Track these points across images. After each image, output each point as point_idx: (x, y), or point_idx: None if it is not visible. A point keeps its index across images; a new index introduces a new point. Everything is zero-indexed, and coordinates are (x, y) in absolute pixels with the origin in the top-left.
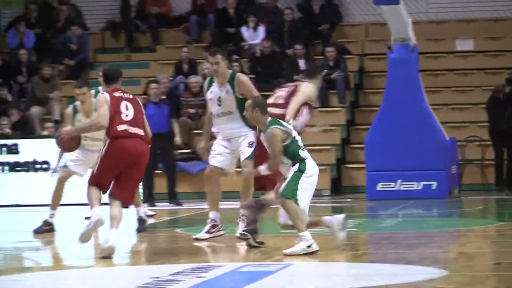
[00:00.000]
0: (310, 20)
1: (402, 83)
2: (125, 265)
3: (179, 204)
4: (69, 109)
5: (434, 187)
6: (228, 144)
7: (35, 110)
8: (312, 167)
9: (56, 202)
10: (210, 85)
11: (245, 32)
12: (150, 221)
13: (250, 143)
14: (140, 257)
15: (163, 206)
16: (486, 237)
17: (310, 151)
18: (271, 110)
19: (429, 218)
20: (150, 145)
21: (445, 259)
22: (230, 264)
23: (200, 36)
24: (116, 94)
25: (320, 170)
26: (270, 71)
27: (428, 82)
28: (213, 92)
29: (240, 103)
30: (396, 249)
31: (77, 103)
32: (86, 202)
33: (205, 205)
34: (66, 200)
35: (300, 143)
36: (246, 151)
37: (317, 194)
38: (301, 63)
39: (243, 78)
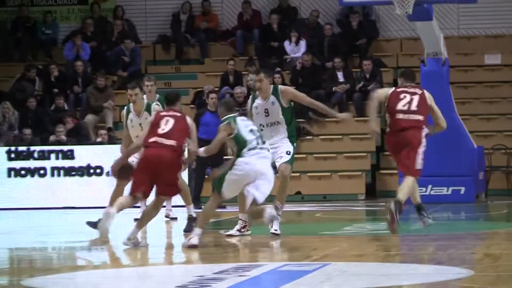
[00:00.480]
0: (349, 35)
1: (434, 95)
2: (173, 263)
3: (223, 207)
4: (124, 111)
5: (462, 192)
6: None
7: (90, 118)
8: (241, 164)
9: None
10: (253, 100)
11: (288, 46)
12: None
13: (288, 151)
14: (186, 256)
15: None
16: (510, 239)
17: (348, 157)
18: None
19: (457, 221)
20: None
21: (472, 260)
22: (271, 264)
23: (246, 50)
24: (163, 113)
25: (356, 176)
26: (310, 83)
27: (458, 93)
28: (258, 106)
29: (285, 113)
30: (426, 250)
31: (130, 104)
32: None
33: None
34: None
35: (252, 143)
36: (284, 157)
37: (353, 198)
38: (340, 75)
39: (284, 87)
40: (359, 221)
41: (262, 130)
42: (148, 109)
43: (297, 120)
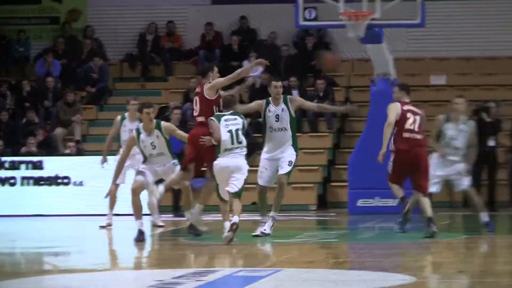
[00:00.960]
0: (304, 55)
1: (382, 113)
2: (133, 269)
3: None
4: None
5: None
6: (271, 164)
7: (59, 131)
8: (214, 166)
9: (138, 212)
10: (267, 105)
11: (247, 65)
12: (160, 230)
13: (290, 162)
14: (148, 262)
15: (167, 217)
16: (451, 248)
17: (301, 170)
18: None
19: (402, 231)
20: None
21: (415, 267)
22: (226, 270)
23: None
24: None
25: (308, 188)
26: None
27: None
28: (271, 111)
29: (292, 121)
30: (373, 257)
31: (140, 125)
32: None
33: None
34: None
35: (227, 144)
36: (285, 168)
37: (305, 208)
38: (295, 93)
39: (292, 96)
40: (310, 230)
41: (271, 132)
42: (158, 127)
43: (254, 135)
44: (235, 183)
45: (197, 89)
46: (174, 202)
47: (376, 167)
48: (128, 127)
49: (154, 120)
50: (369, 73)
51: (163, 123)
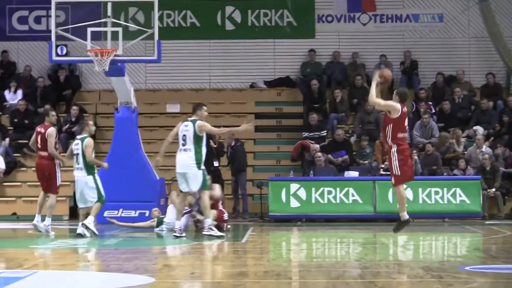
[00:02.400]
0: (57, 86)
1: (125, 136)
2: None
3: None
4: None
5: (147, 214)
6: None
7: None
8: None
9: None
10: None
11: (7, 94)
12: None
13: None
14: None
15: None
16: (179, 253)
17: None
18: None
19: (143, 238)
20: None
21: (153, 269)
22: None
23: None
24: None
25: (60, 201)
26: (24, 124)
27: (145, 135)
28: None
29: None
30: (117, 261)
31: None
32: None
33: None
34: None
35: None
36: None
37: (59, 218)
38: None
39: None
40: (63, 237)
41: None
42: None
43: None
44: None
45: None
46: None
47: (120, 183)
48: None
49: None
50: (114, 101)
51: None
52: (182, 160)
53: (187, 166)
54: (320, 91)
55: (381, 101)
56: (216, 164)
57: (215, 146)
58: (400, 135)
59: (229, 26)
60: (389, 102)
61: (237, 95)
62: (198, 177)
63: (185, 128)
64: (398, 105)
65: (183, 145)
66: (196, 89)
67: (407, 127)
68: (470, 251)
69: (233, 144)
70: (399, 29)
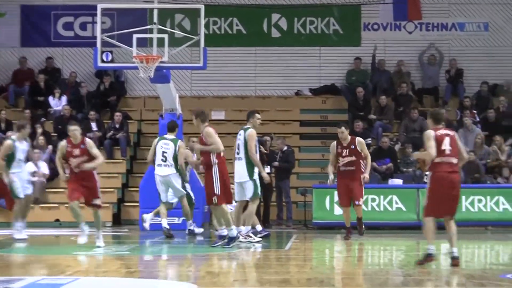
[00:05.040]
0: (102, 92)
1: None
2: None
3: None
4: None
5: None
6: None
7: None
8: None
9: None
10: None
11: (52, 100)
12: None
13: None
14: None
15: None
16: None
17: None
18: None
19: (185, 245)
20: None
21: (196, 276)
22: (31, 278)
23: (16, 102)
24: None
25: (104, 207)
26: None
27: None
28: None
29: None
30: (160, 267)
31: None
32: None
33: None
34: None
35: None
36: None
37: (102, 224)
38: (93, 125)
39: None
40: (106, 244)
41: None
42: None
43: None
44: None
45: None
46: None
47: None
48: None
49: None
50: (158, 108)
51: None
52: (237, 169)
53: (241, 175)
54: (365, 98)
55: (431, 149)
56: (268, 170)
57: (266, 152)
58: (437, 159)
59: (275, 33)
60: (429, 143)
61: (283, 102)
62: (250, 187)
63: (239, 137)
64: (432, 136)
65: (237, 153)
66: (241, 96)
67: (448, 149)
68: None
69: (284, 149)
70: (445, 37)
